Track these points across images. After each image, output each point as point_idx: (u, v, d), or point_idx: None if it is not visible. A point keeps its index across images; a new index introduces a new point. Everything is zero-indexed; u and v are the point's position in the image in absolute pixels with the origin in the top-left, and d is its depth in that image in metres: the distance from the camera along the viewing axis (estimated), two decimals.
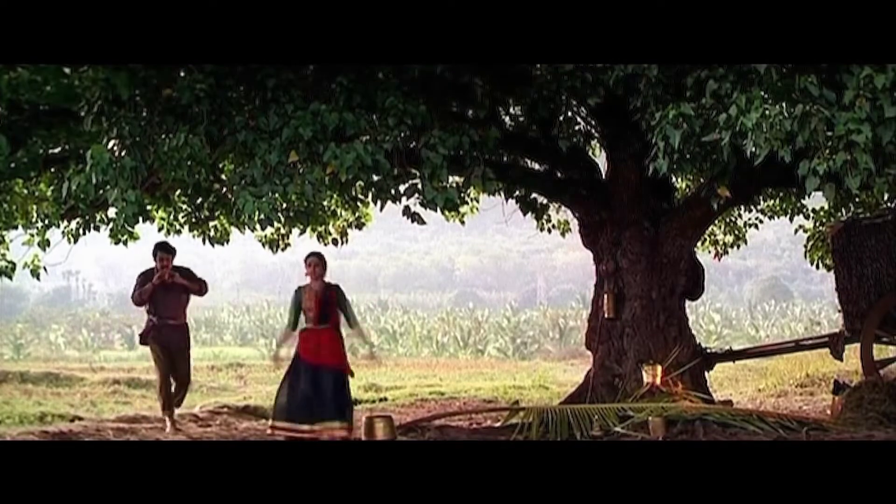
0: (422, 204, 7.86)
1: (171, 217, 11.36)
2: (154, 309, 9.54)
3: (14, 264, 10.01)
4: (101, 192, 7.19)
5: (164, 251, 9.55)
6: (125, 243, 10.08)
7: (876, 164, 5.96)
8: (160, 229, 11.39)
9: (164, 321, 9.50)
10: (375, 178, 7.58)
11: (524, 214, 11.98)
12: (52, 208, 9.62)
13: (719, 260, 14.34)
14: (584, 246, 10.75)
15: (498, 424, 9.81)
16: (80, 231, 10.07)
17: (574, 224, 11.67)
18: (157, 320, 9.51)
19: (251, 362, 21.84)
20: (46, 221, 9.78)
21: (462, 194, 10.56)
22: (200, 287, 9.75)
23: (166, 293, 9.51)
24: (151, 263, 9.59)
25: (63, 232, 10.10)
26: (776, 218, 13.23)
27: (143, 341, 9.78)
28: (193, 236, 11.75)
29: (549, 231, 13.23)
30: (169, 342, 9.52)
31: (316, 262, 8.53)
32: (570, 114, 8.85)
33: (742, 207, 12.68)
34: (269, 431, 8.39)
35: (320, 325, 8.42)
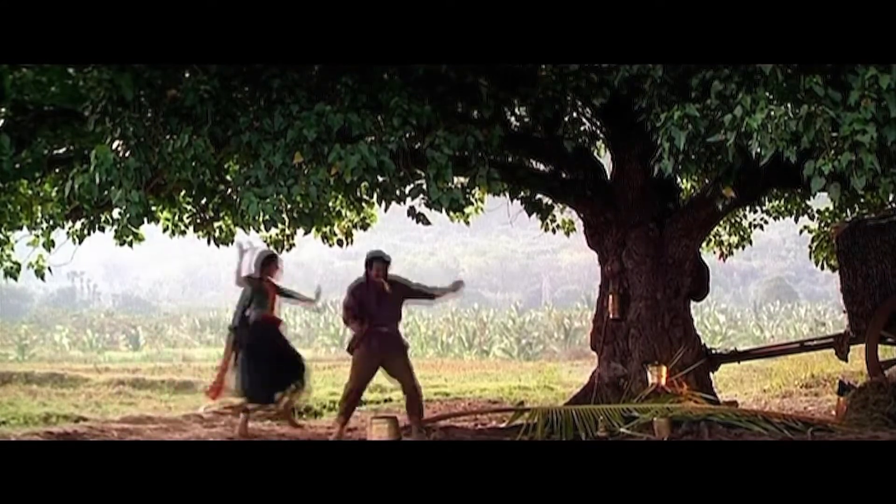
0: (427, 204, 7.84)
1: (176, 218, 11.37)
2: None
3: (19, 265, 10.07)
4: (105, 192, 7.18)
5: (379, 261, 9.20)
6: (130, 244, 10.03)
7: (881, 164, 5.96)
8: (165, 230, 11.40)
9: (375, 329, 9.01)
10: (380, 178, 7.55)
11: (529, 215, 11.96)
12: (56, 209, 9.64)
13: (724, 260, 14.33)
14: (589, 247, 10.73)
15: (503, 425, 9.80)
16: (85, 232, 10.07)
17: (579, 225, 11.66)
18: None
19: None
20: (51, 222, 9.79)
21: (467, 195, 10.53)
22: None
23: (379, 300, 9.08)
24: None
25: (68, 232, 10.12)
26: (781, 218, 13.20)
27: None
28: (198, 237, 11.77)
29: (554, 232, 13.23)
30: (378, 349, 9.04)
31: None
32: (575, 114, 8.86)
33: (747, 208, 12.64)
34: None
35: None
